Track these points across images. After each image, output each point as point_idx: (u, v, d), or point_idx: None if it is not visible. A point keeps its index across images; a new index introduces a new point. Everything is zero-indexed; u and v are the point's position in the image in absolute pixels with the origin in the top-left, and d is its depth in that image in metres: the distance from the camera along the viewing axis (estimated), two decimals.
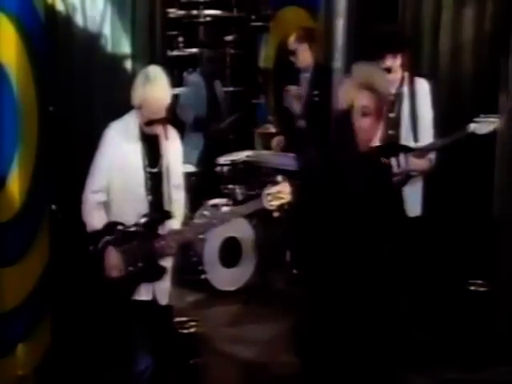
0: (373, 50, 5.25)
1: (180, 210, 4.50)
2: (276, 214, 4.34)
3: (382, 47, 5.21)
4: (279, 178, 4.36)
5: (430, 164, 5.23)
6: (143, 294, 4.40)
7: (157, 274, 4.40)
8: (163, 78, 4.28)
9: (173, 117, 5.73)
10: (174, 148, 4.44)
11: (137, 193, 4.32)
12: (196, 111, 7.47)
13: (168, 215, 4.37)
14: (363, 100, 3.69)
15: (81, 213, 4.39)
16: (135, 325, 4.44)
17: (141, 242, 4.32)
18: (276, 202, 4.24)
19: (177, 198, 4.44)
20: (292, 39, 6.51)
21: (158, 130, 4.31)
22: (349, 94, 3.73)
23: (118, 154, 4.29)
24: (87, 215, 4.35)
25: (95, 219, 4.33)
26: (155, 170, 4.35)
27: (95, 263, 4.33)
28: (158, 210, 4.35)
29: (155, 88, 4.22)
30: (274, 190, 4.25)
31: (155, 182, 4.35)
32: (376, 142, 3.81)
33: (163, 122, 4.29)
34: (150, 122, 4.26)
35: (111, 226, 4.32)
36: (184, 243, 4.76)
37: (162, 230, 4.36)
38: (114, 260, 4.28)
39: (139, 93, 4.23)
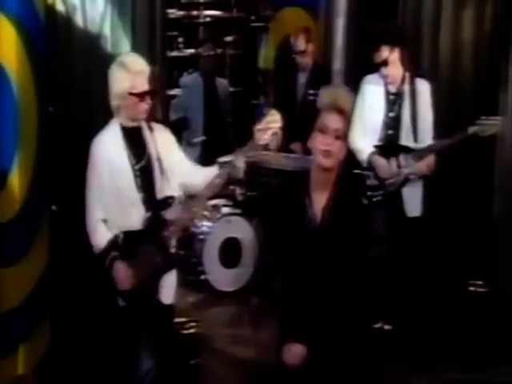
0: (370, 42, 5.27)
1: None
2: (271, 146, 4.38)
3: (379, 39, 5.22)
4: (265, 112, 4.34)
5: (429, 168, 5.23)
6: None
7: (174, 261, 4.41)
8: (134, 54, 4.41)
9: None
10: (162, 137, 4.42)
11: (131, 197, 4.30)
12: (195, 110, 7.49)
13: (167, 202, 4.37)
14: (335, 123, 3.64)
15: (81, 217, 4.36)
16: (137, 326, 4.43)
17: (151, 239, 4.31)
18: (267, 135, 4.20)
19: (180, 178, 4.42)
20: (301, 39, 6.52)
21: (146, 109, 4.29)
22: (319, 117, 3.69)
23: (106, 165, 4.26)
24: (93, 237, 4.30)
25: (100, 239, 4.29)
26: (143, 164, 4.34)
27: (104, 275, 4.31)
28: (157, 202, 4.35)
29: (135, 62, 4.27)
30: (263, 123, 4.22)
31: (146, 178, 4.32)
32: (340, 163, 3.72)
33: (152, 94, 4.30)
34: (142, 96, 4.23)
35: (115, 240, 4.30)
36: (189, 220, 4.72)
37: (165, 217, 4.35)
38: (123, 274, 4.24)
39: (123, 75, 4.23)
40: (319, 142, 3.64)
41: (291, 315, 3.71)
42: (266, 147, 4.43)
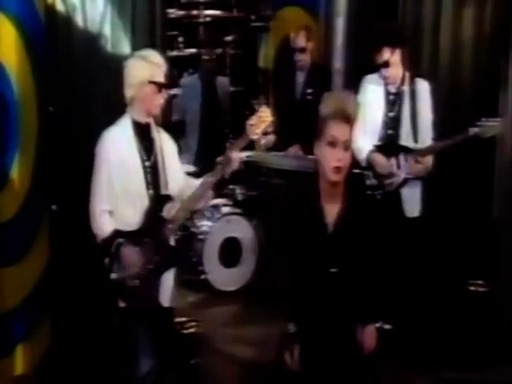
0: (371, 44, 5.26)
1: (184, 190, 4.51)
2: (262, 141, 4.43)
3: (380, 41, 5.22)
4: (256, 106, 4.38)
5: (427, 169, 5.23)
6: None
7: (173, 259, 4.45)
8: (153, 51, 4.45)
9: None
10: (166, 138, 4.50)
11: (139, 190, 4.33)
12: (193, 112, 7.49)
13: (167, 199, 4.39)
14: (345, 134, 3.51)
15: (81, 217, 4.39)
16: (137, 326, 4.43)
17: (150, 236, 4.32)
18: (260, 129, 4.29)
19: (176, 183, 4.46)
20: (302, 36, 6.53)
21: (162, 101, 4.36)
22: (324, 125, 3.56)
23: (116, 158, 4.30)
24: (97, 227, 4.33)
25: (104, 228, 4.32)
26: (152, 161, 4.37)
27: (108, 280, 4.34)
28: (157, 198, 4.37)
29: (156, 57, 4.34)
30: (255, 118, 4.30)
31: (154, 174, 4.37)
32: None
33: (167, 87, 4.40)
34: (160, 87, 4.30)
35: (118, 232, 4.32)
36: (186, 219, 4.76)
37: (166, 214, 4.38)
38: (131, 256, 4.28)
39: (144, 67, 4.29)
40: (330, 158, 3.52)
41: (303, 319, 3.70)
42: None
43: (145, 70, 4.30)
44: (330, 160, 3.52)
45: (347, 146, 3.53)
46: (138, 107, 4.35)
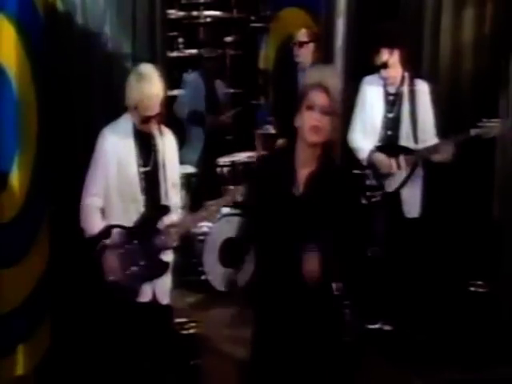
0: (370, 45, 5.28)
1: (177, 205, 4.51)
2: None
3: (379, 42, 5.24)
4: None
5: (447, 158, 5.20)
6: (143, 295, 4.41)
7: (160, 269, 4.42)
8: (155, 74, 4.34)
9: (171, 117, 5.78)
10: (169, 144, 4.47)
11: (134, 194, 4.33)
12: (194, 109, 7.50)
13: (166, 210, 4.38)
14: (322, 100, 3.63)
15: (80, 217, 4.40)
16: (136, 326, 4.43)
17: (141, 240, 4.32)
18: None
19: (174, 195, 4.46)
20: (302, 33, 6.55)
21: (154, 127, 4.35)
22: (304, 95, 3.70)
23: (114, 158, 4.31)
24: (85, 221, 4.36)
25: (93, 224, 4.34)
26: (149, 168, 4.36)
27: (97, 267, 4.34)
28: (155, 207, 4.36)
29: (150, 85, 4.27)
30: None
31: (151, 181, 4.36)
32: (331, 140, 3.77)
33: (159, 117, 4.34)
34: (146, 119, 4.29)
35: (109, 230, 4.32)
36: (185, 235, 4.76)
37: (160, 225, 4.37)
38: (111, 263, 4.29)
39: (135, 92, 4.27)
40: (308, 118, 3.64)
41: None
42: None
43: (138, 101, 4.26)
44: (309, 121, 3.64)
45: (325, 111, 3.64)
46: (135, 118, 4.35)
